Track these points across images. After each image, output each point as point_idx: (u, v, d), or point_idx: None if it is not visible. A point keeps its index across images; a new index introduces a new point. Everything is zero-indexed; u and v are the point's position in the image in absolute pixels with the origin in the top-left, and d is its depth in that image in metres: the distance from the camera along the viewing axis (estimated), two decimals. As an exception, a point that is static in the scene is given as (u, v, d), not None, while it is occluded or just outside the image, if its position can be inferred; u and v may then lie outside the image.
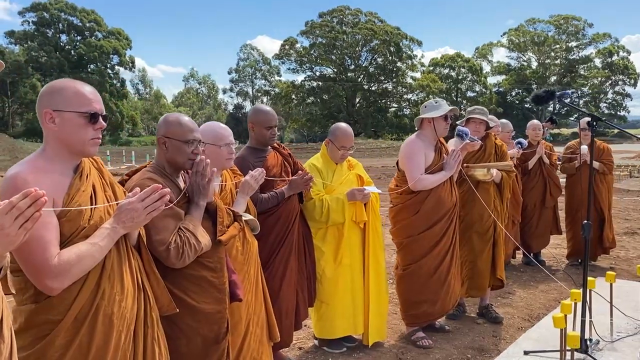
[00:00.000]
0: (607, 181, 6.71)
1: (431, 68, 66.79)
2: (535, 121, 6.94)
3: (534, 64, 69.47)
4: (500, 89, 68.68)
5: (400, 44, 61.80)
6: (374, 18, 63.37)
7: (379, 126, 60.82)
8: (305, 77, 64.32)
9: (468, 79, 66.42)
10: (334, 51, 62.15)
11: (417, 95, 61.33)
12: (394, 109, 64.81)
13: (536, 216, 6.83)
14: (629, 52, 66.21)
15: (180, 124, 2.54)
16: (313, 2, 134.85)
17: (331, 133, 4.18)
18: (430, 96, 56.87)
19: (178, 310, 2.31)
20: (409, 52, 63.69)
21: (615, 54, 65.55)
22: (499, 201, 4.86)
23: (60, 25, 57.56)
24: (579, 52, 67.94)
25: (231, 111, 71.12)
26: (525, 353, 4.03)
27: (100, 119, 2.01)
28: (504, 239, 5.01)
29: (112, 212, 2.02)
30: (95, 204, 1.98)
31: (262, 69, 70.83)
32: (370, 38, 60.78)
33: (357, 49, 62.87)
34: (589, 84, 66.70)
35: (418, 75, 65.13)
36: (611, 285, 4.40)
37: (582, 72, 67.24)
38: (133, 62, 61.83)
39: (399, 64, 62.84)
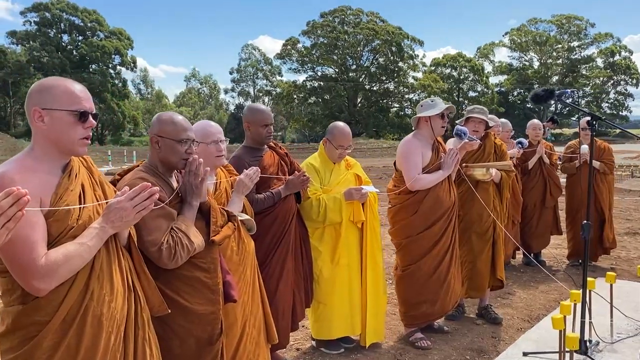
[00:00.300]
0: (607, 181, 6.67)
1: (433, 68, 66.68)
2: (536, 121, 6.91)
3: (536, 64, 69.39)
4: (502, 89, 68.59)
5: (402, 44, 61.71)
6: (376, 18, 63.29)
7: (381, 126, 60.73)
8: (306, 77, 64.31)
9: (470, 79, 66.29)
10: (336, 51, 62.08)
11: (418, 95, 61.17)
12: (395, 108, 64.75)
13: (536, 216, 6.79)
14: (631, 52, 66.08)
15: (174, 123, 2.51)
16: (314, 2, 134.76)
17: (329, 132, 4.15)
18: (432, 96, 56.74)
19: (170, 311, 2.28)
20: (411, 52, 63.61)
21: (617, 54, 65.44)
22: (498, 201, 4.83)
23: (61, 25, 57.59)
24: (581, 52, 67.85)
25: (232, 111, 71.17)
26: (525, 354, 4.00)
27: (90, 118, 1.98)
28: (504, 239, 4.97)
29: (102, 211, 1.99)
30: (84, 204, 1.95)
31: (264, 69, 70.79)
32: (372, 38, 60.69)
33: (358, 48, 62.80)
34: (590, 84, 66.60)
35: (420, 75, 65.05)
36: (611, 285, 4.36)
37: (584, 72, 67.13)
38: (135, 62, 61.87)
39: (400, 63, 62.75)
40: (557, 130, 59.34)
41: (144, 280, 2.18)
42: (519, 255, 7.01)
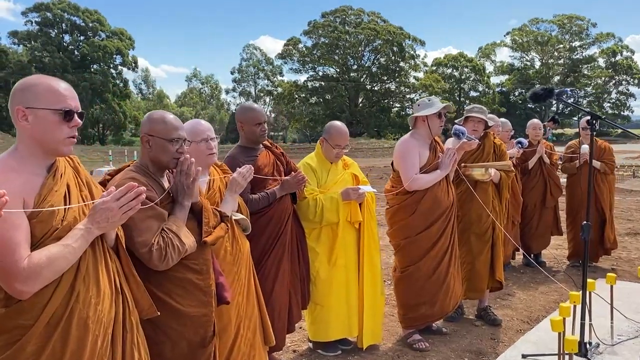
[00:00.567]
0: (608, 181, 6.61)
1: (434, 68, 66.64)
2: (536, 120, 6.86)
3: (537, 64, 69.31)
4: (504, 89, 68.53)
5: (403, 44, 61.67)
6: (377, 18, 63.24)
7: (382, 126, 60.67)
8: (307, 77, 64.28)
9: (471, 79, 66.22)
10: (337, 51, 62.05)
11: (420, 95, 61.04)
12: (396, 108, 64.71)
13: (536, 216, 6.74)
14: (632, 52, 65.97)
15: (165, 122, 2.47)
16: (316, 2, 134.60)
17: (325, 131, 4.10)
18: (433, 96, 56.69)
19: (159, 314, 2.24)
20: (412, 52, 63.55)
21: (619, 54, 65.37)
22: (497, 201, 4.78)
23: (63, 25, 57.61)
24: (582, 52, 67.78)
25: (234, 111, 71.09)
26: (524, 357, 3.94)
27: (76, 117, 1.94)
28: (503, 240, 4.92)
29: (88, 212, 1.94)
30: (69, 205, 1.91)
31: (265, 69, 70.72)
32: (373, 38, 60.65)
33: (359, 48, 62.76)
34: (592, 84, 66.53)
35: (421, 75, 64.99)
36: (611, 287, 4.31)
37: (585, 72, 67.05)
38: (136, 62, 61.90)
39: (401, 63, 62.69)
40: (559, 130, 59.28)
41: (132, 283, 2.14)
42: (519, 256, 6.96)
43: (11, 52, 55.49)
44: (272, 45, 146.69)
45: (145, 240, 2.26)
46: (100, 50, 56.87)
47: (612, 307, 4.34)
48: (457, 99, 62.76)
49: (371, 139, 55.24)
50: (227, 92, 77.79)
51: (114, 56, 59.46)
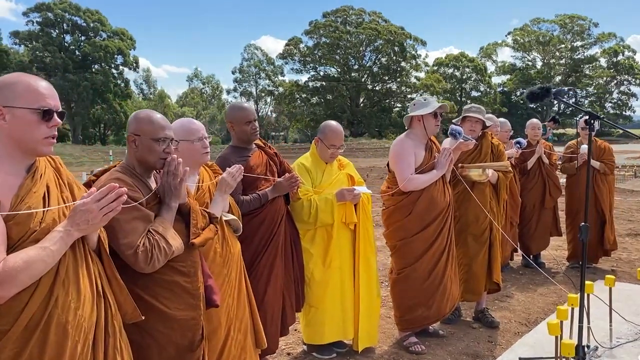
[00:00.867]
0: (608, 181, 6.55)
1: (435, 68, 66.61)
2: (535, 120, 6.80)
3: (539, 64, 69.26)
4: (505, 89, 68.46)
5: (404, 44, 61.67)
6: (378, 18, 63.23)
7: (383, 126, 60.66)
8: (309, 77, 64.30)
9: (472, 79, 66.20)
10: (338, 51, 62.04)
11: (421, 95, 61.07)
12: (397, 108, 64.68)
13: (535, 217, 6.68)
14: (634, 52, 65.95)
15: (151, 121, 2.41)
16: (317, 2, 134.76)
17: (320, 131, 4.05)
18: (435, 96, 56.77)
19: (143, 318, 2.18)
20: (413, 52, 63.55)
21: (621, 54, 65.30)
22: (495, 202, 4.72)
23: (64, 25, 57.64)
24: (584, 52, 67.76)
25: (234, 111, 70.87)
26: (521, 360, 3.89)
27: (55, 116, 1.88)
28: (501, 241, 4.86)
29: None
30: (49, 206, 1.85)
31: (266, 69, 70.65)
32: (374, 38, 60.64)
33: (360, 48, 62.75)
34: (594, 84, 66.47)
35: (422, 75, 65.01)
36: (610, 289, 4.25)
37: (587, 72, 67.01)
38: (137, 62, 61.92)
39: (403, 63, 62.69)
40: (560, 130, 59.19)
41: (115, 286, 2.08)
42: (518, 257, 6.91)
43: (12, 52, 55.54)
44: (273, 45, 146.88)
45: (130, 242, 2.20)
46: (101, 50, 56.89)
47: (610, 310, 4.28)
48: (459, 99, 62.72)
49: (372, 139, 55.22)
50: (228, 92, 77.68)
51: (115, 56, 59.49)
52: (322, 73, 64.28)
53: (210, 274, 2.80)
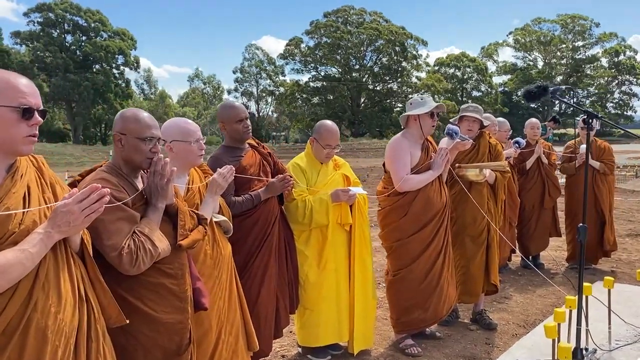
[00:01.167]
0: (608, 182, 6.49)
1: (436, 68, 66.60)
2: (534, 120, 6.75)
3: (540, 64, 69.21)
4: (506, 89, 68.40)
5: (405, 44, 61.65)
6: (379, 18, 63.22)
7: (384, 126, 60.64)
8: (310, 77, 64.29)
9: (473, 79, 66.17)
10: (339, 51, 62.02)
11: (422, 95, 61.05)
12: (398, 108, 64.58)
13: (534, 218, 6.63)
14: (635, 52, 65.89)
15: (137, 120, 2.36)
16: (318, 2, 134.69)
17: (315, 131, 3.99)
18: (436, 96, 56.77)
19: (128, 321, 2.13)
20: (414, 52, 63.55)
21: (622, 54, 65.26)
22: (493, 203, 4.66)
23: (65, 25, 57.70)
24: (585, 52, 67.72)
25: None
26: (518, 362, 3.83)
27: (36, 115, 1.83)
28: (500, 242, 4.81)
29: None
30: (29, 207, 1.80)
31: (267, 69, 70.62)
32: (375, 38, 60.62)
33: (361, 48, 62.73)
34: (595, 84, 66.40)
35: (423, 75, 65.00)
36: (609, 291, 4.19)
37: (588, 72, 66.98)
38: (138, 62, 61.98)
39: (404, 63, 62.67)
40: (561, 130, 59.10)
41: (99, 289, 2.03)
42: (516, 258, 6.84)
43: (13, 53, 55.56)
44: (274, 45, 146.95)
45: (115, 243, 2.15)
46: (102, 50, 56.94)
47: (609, 312, 4.23)
48: (460, 99, 62.66)
49: (373, 139, 55.22)
50: (229, 92, 77.62)
51: (116, 56, 59.56)
52: (323, 73, 64.30)
53: (201, 276, 2.75)
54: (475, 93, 66.09)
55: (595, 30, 66.81)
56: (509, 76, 69.92)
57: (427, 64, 67.02)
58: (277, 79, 70.08)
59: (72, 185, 2.33)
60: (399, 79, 63.42)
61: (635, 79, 65.13)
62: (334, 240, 3.92)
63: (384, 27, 60.76)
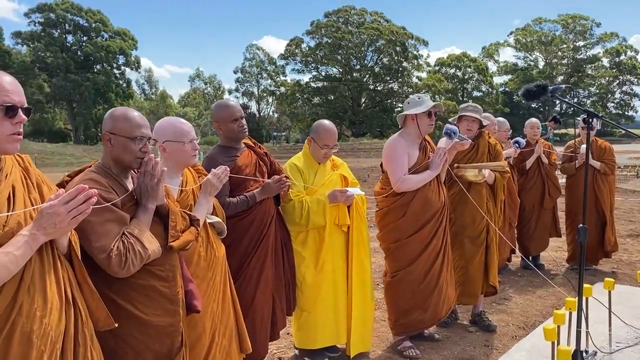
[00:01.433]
0: (608, 182, 6.44)
1: (437, 68, 66.58)
2: (533, 119, 6.70)
3: (541, 64, 69.15)
4: (507, 89, 68.33)
5: (406, 44, 61.64)
6: (380, 18, 63.22)
7: (385, 126, 60.63)
8: (310, 78, 64.29)
9: (474, 79, 66.11)
10: (340, 51, 62.01)
11: (426, 95, 60.99)
12: (399, 109, 64.43)
13: (534, 218, 6.58)
14: (636, 52, 65.86)
15: (127, 119, 2.31)
16: (318, 2, 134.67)
17: (313, 131, 3.95)
18: (437, 96, 56.74)
19: (117, 325, 2.08)
20: (415, 52, 63.57)
21: (623, 54, 65.23)
22: (492, 203, 4.61)
23: (66, 25, 57.74)
24: (586, 52, 67.68)
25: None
26: (517, 365, 3.78)
27: (20, 113, 1.79)
28: (499, 243, 4.75)
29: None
30: (14, 208, 1.76)
31: (268, 69, 70.60)
32: (376, 38, 60.61)
33: (362, 48, 62.71)
34: (596, 84, 66.34)
35: (424, 75, 64.97)
36: (609, 292, 4.13)
37: (589, 72, 66.90)
38: (139, 63, 62.03)
39: (404, 63, 62.66)
40: (562, 130, 58.99)
41: (87, 292, 1.98)
42: (516, 258, 6.79)
43: (14, 53, 55.60)
44: (275, 46, 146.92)
45: (103, 245, 2.10)
46: (103, 50, 56.98)
47: (610, 314, 4.17)
48: (460, 99, 62.61)
49: (374, 139, 55.18)
50: (230, 92, 77.64)
51: (117, 56, 59.60)
52: (323, 73, 64.31)
53: (194, 278, 2.71)
54: (476, 93, 66.05)
55: (596, 30, 66.87)
56: (509, 76, 69.87)
57: (428, 64, 67.09)
58: (278, 79, 70.10)
59: (61, 185, 2.28)
60: (400, 79, 63.42)
61: (636, 79, 65.10)
62: (331, 242, 3.88)
63: (384, 27, 60.74)
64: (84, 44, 57.67)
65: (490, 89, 65.70)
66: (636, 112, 67.71)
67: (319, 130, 3.90)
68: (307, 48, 62.95)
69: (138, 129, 2.30)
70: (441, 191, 4.15)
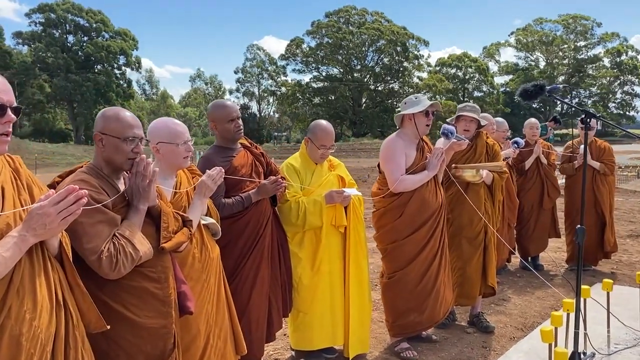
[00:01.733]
0: (608, 182, 6.41)
1: (438, 68, 66.54)
2: (533, 119, 6.68)
3: (542, 64, 69.12)
4: (508, 89, 68.26)
5: (407, 44, 61.65)
6: (381, 18, 63.21)
7: (386, 126, 60.55)
8: (311, 78, 64.29)
9: (475, 79, 66.07)
10: (340, 51, 62.00)
11: (423, 95, 60.95)
12: (400, 109, 64.58)
13: (533, 218, 6.55)
14: (638, 52, 65.78)
15: (119, 119, 2.29)
16: (319, 2, 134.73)
17: (310, 131, 3.92)
18: (437, 96, 56.70)
19: (109, 327, 2.06)
20: (416, 52, 63.58)
21: (624, 54, 65.16)
22: (490, 204, 4.59)
23: (67, 25, 57.74)
24: (587, 52, 67.62)
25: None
26: (515, 367, 3.76)
27: (9, 112, 1.77)
28: (498, 244, 4.73)
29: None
30: (3, 209, 1.74)
31: (269, 69, 70.59)
32: (377, 38, 60.60)
33: (363, 49, 62.71)
34: (597, 84, 66.27)
35: (425, 75, 64.97)
36: (608, 293, 4.11)
37: (590, 72, 66.84)
38: (139, 63, 62.02)
39: (405, 63, 62.66)
40: (563, 131, 58.92)
41: (78, 294, 1.96)
42: (515, 259, 6.77)
43: (15, 53, 55.62)
44: (275, 46, 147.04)
45: (94, 246, 2.08)
46: (103, 50, 56.97)
47: (608, 315, 4.15)
48: (461, 99, 62.57)
49: (375, 139, 55.15)
50: (230, 92, 77.67)
51: (118, 56, 59.58)
52: (324, 73, 64.33)
53: (189, 279, 2.70)
54: (476, 93, 66.02)
55: (597, 30, 66.82)
56: (510, 76, 69.85)
57: (429, 64, 67.09)
58: (279, 79, 70.08)
59: (52, 186, 2.26)
60: (401, 79, 63.42)
61: (637, 79, 65.05)
62: (328, 242, 3.85)
63: (385, 27, 60.74)
64: (84, 44, 57.67)
65: (491, 89, 65.66)
66: (637, 113, 67.73)
67: (316, 131, 3.88)
68: (307, 48, 62.98)
69: (130, 129, 2.28)
70: (438, 192, 4.13)
